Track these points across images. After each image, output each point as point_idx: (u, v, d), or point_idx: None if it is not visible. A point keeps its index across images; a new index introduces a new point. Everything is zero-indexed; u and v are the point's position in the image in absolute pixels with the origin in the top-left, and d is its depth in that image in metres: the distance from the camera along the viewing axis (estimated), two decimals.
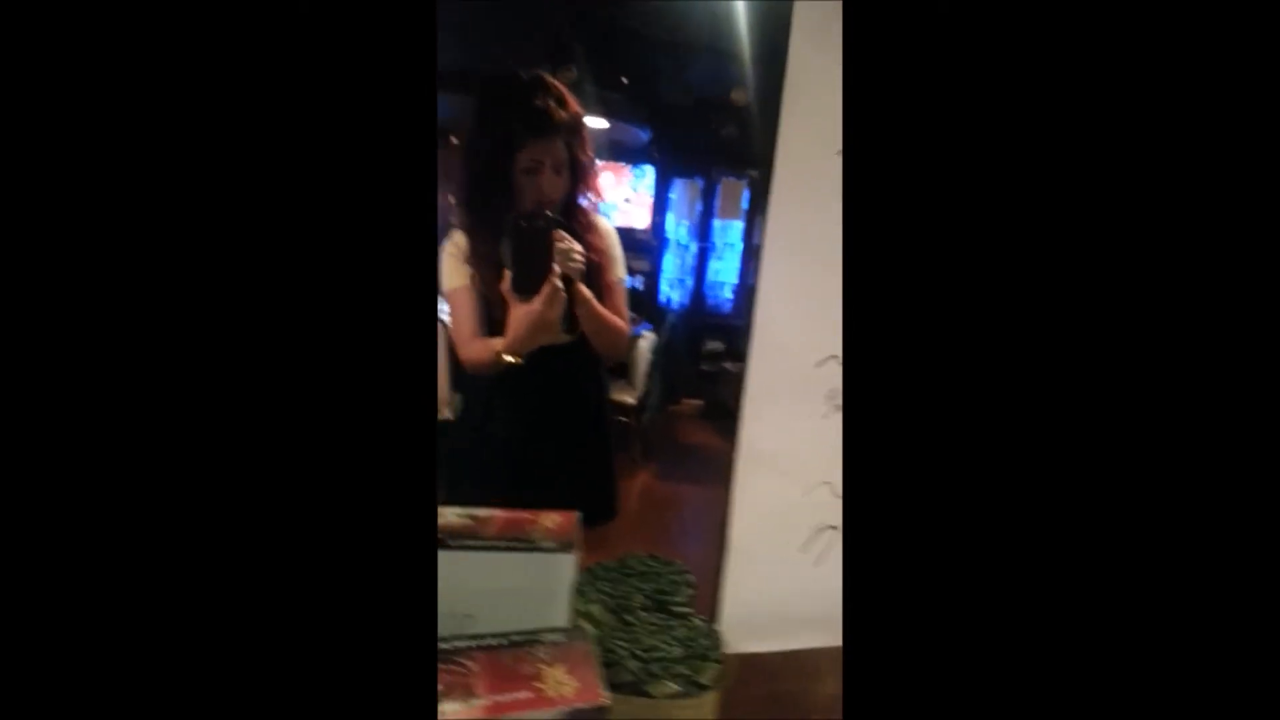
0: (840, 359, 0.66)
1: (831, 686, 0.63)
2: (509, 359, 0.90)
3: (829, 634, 0.69)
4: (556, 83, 0.94)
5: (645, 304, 4.21)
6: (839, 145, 0.66)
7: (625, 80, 3.12)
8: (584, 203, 0.99)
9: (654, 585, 0.55)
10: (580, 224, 0.97)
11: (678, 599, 0.54)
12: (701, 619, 0.53)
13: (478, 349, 0.94)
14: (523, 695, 0.40)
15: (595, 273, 0.98)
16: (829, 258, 0.65)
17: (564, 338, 0.97)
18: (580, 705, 0.39)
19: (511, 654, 0.43)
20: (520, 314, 0.86)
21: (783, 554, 0.68)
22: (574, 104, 0.94)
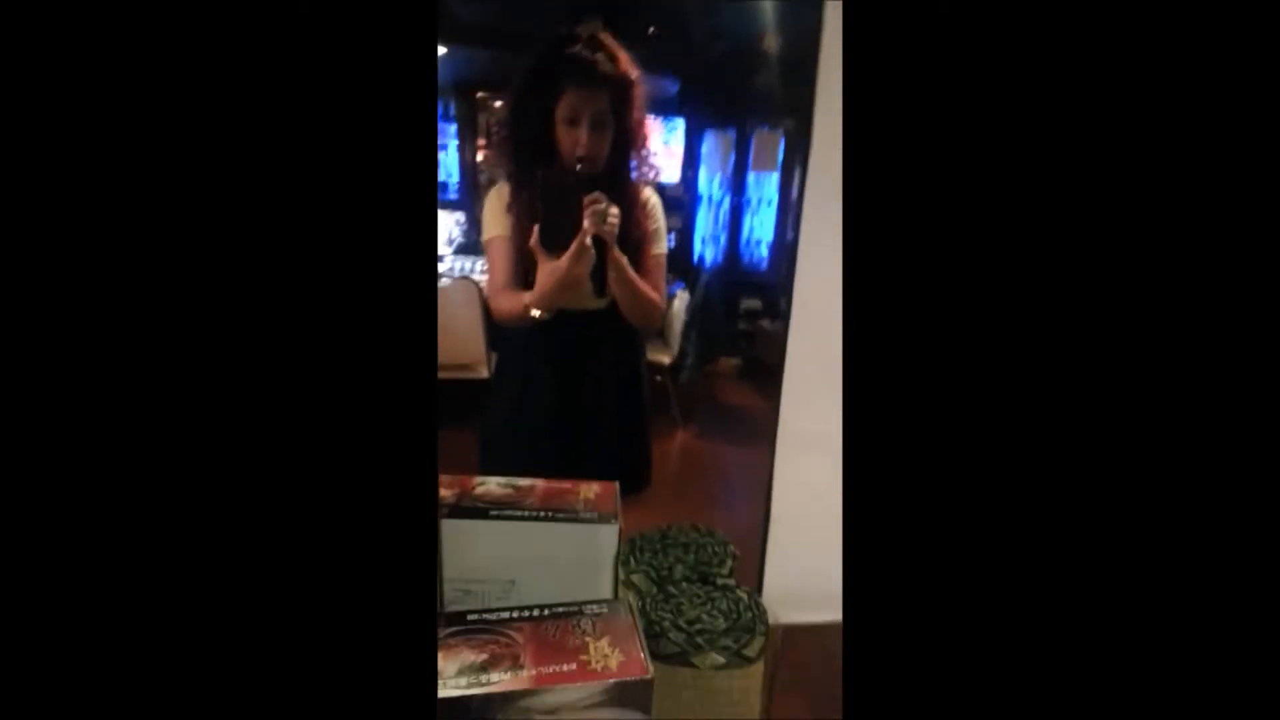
0: None
1: None
2: (535, 314, 0.90)
3: None
4: (610, 41, 0.92)
5: (678, 262, 4.15)
6: None
7: (652, 30, 3.01)
8: (635, 173, 0.98)
9: (696, 557, 0.54)
10: (628, 194, 0.95)
11: (721, 571, 0.53)
12: (745, 590, 0.52)
13: (508, 300, 0.95)
14: (568, 667, 0.40)
15: (636, 246, 0.96)
16: None
17: (594, 301, 0.96)
18: (625, 678, 0.40)
19: (556, 625, 0.44)
20: (547, 269, 0.86)
21: (826, 528, 0.67)
22: (626, 63, 0.92)
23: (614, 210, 0.85)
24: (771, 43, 3.11)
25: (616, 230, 0.86)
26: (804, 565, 0.66)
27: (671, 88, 3.71)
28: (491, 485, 0.59)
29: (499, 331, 1.07)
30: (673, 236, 4.33)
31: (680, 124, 4.30)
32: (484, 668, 0.39)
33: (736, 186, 4.55)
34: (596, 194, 0.84)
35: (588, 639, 0.42)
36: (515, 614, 0.44)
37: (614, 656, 0.41)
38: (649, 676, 0.40)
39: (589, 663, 0.40)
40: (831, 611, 0.67)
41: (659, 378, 2.88)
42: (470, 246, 3.35)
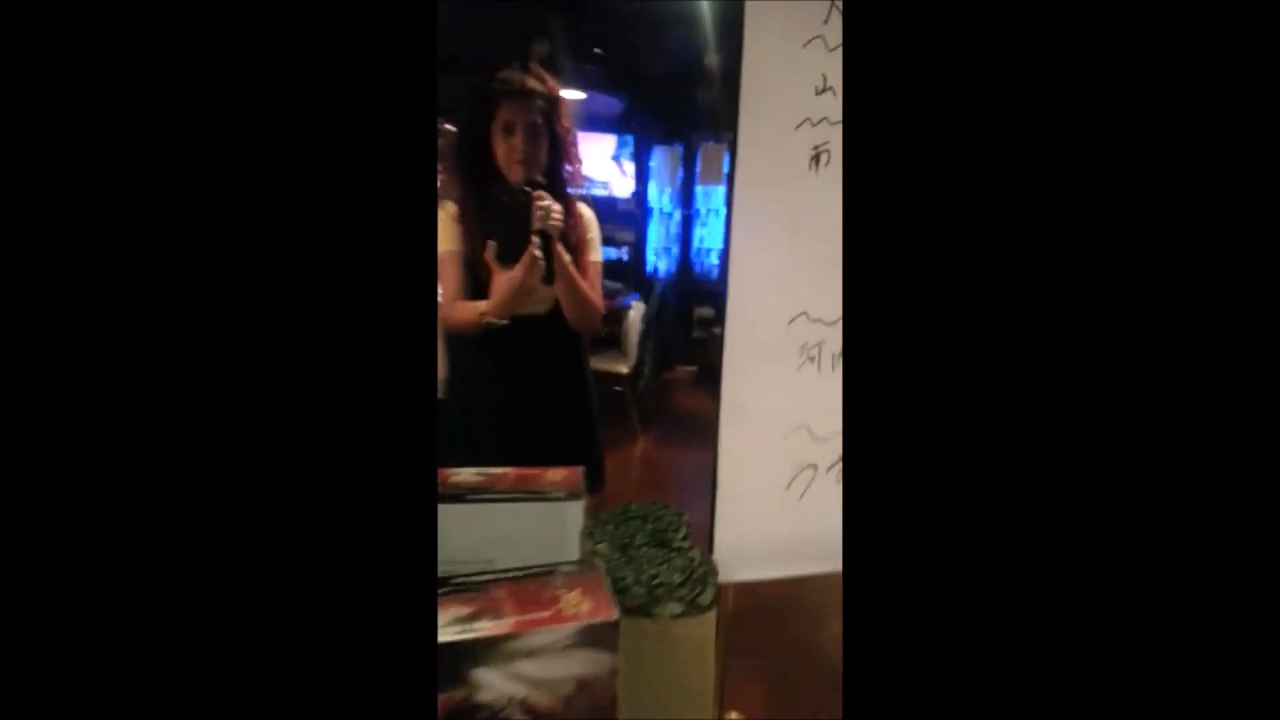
0: (809, 316, 0.72)
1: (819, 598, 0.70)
2: (493, 321, 0.99)
3: (814, 562, 0.76)
4: (533, 64, 1.04)
5: (632, 274, 4.24)
6: (800, 118, 0.70)
7: (599, 52, 3.11)
8: (569, 187, 1.06)
9: (654, 526, 0.61)
10: (564, 204, 1.03)
11: (676, 537, 0.60)
12: (698, 551, 0.59)
13: (462, 310, 1.02)
14: (544, 615, 0.46)
15: (574, 252, 1.05)
16: (795, 222, 0.70)
17: (538, 306, 1.04)
18: (594, 621, 0.46)
19: (532, 583, 0.50)
20: (503, 279, 0.96)
21: (768, 493, 0.74)
22: (550, 80, 1.01)
23: (556, 208, 0.95)
24: (712, 60, 3.24)
25: (561, 226, 0.95)
26: (747, 530, 0.73)
27: (618, 105, 3.82)
28: (465, 474, 0.65)
29: (445, 344, 1.12)
30: (626, 250, 4.43)
31: (631, 141, 4.42)
32: (471, 618, 0.45)
33: (685, 199, 4.68)
34: (540, 193, 0.93)
35: (560, 591, 0.48)
36: (496, 576, 0.50)
37: (584, 604, 0.47)
38: (615, 618, 0.46)
39: (562, 610, 0.47)
40: (770, 570, 0.74)
41: (618, 388, 2.95)
42: None
